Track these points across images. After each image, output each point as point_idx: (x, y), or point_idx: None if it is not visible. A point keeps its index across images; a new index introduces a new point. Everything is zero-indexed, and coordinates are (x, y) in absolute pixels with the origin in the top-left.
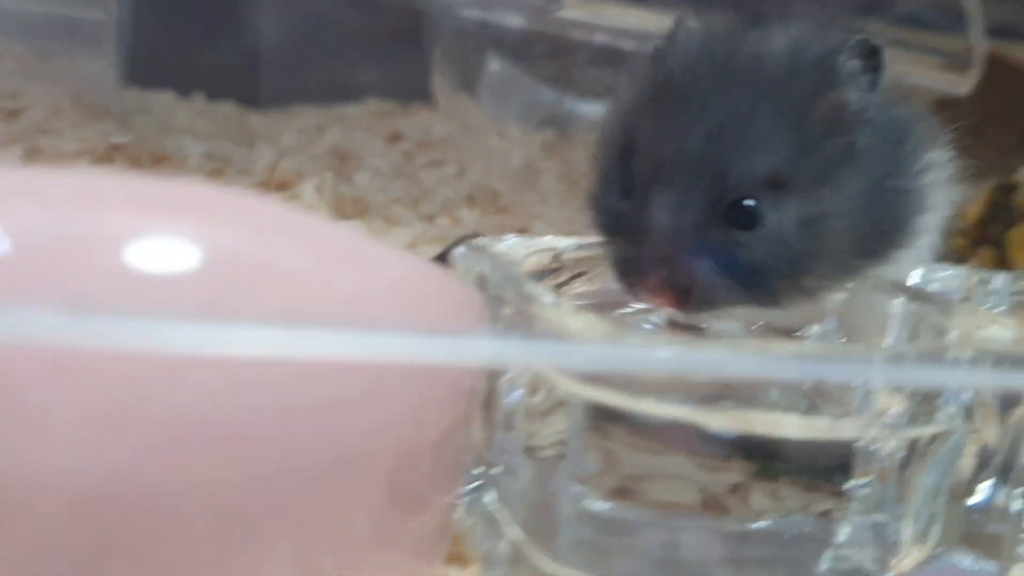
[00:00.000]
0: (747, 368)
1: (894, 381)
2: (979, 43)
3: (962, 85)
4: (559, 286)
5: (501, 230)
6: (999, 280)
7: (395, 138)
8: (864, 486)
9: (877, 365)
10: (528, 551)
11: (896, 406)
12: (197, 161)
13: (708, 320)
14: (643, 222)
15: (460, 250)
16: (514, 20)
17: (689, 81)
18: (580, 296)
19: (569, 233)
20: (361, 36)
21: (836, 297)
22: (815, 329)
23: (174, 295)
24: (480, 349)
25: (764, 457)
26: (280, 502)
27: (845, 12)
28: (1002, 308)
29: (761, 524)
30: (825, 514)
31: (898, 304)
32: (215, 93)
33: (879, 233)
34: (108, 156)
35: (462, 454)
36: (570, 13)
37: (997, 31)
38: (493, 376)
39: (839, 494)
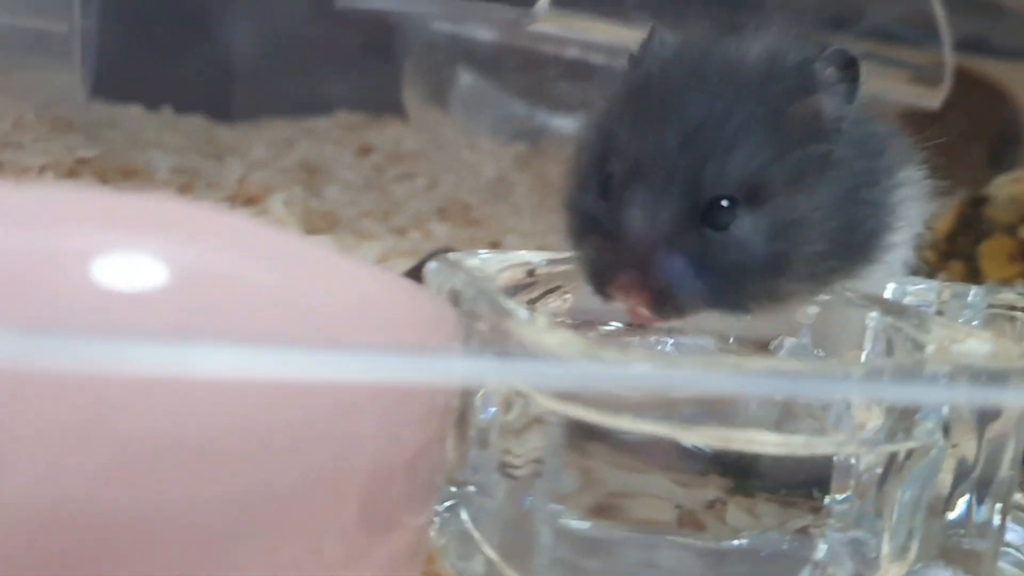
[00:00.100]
0: (724, 385)
1: (873, 397)
2: (949, 57)
3: (933, 99)
4: (532, 301)
5: (473, 243)
6: (973, 293)
7: (365, 151)
8: (842, 502)
9: (856, 381)
10: (503, 570)
11: (874, 421)
12: (166, 175)
13: (680, 325)
14: (619, 221)
15: (433, 265)
16: (485, 34)
17: (666, 84)
18: (553, 312)
19: (542, 246)
20: (330, 49)
21: (810, 310)
22: (789, 342)
23: (140, 314)
24: (456, 368)
25: (740, 473)
26: (250, 524)
27: (815, 25)
28: (976, 322)
29: (739, 542)
30: (803, 530)
31: (873, 318)
32: (183, 106)
33: (852, 244)
34: (74, 170)
35: (436, 473)
36: (542, 27)
37: (964, 44)
38: (467, 392)
39: (816, 510)
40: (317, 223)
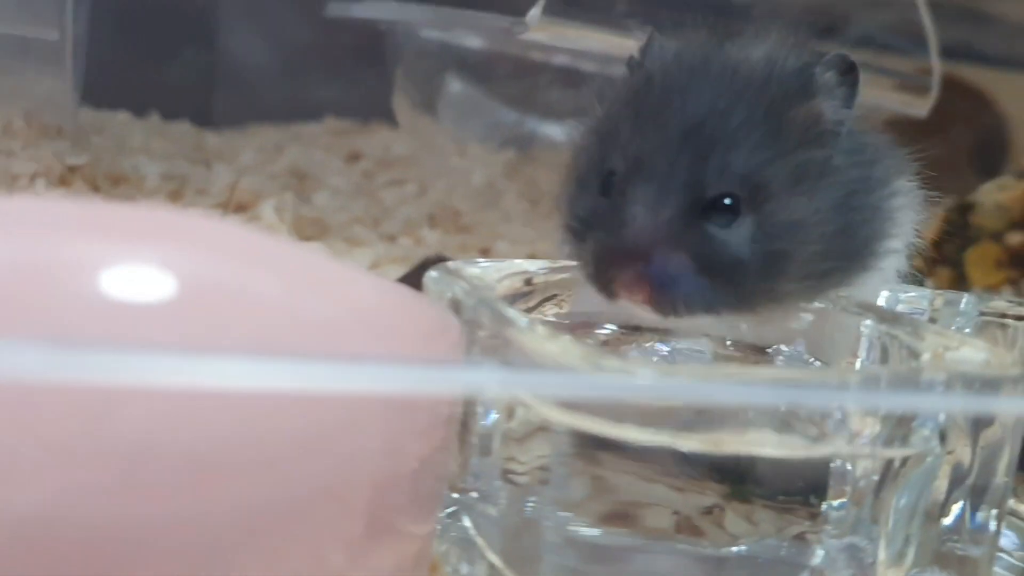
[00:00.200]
0: (724, 394)
1: (871, 405)
2: (937, 65)
3: (921, 107)
4: (529, 310)
5: (463, 250)
6: (965, 301)
7: (354, 157)
8: (839, 508)
9: (854, 389)
10: None
11: (871, 428)
12: (155, 182)
13: (676, 326)
14: (621, 217)
15: (433, 274)
16: (475, 41)
17: (668, 84)
18: (550, 320)
19: (532, 252)
20: (318, 55)
21: (805, 318)
22: (785, 351)
23: (144, 325)
24: (460, 378)
25: (737, 479)
26: (255, 535)
27: (803, 33)
28: (968, 329)
29: (739, 548)
30: (800, 537)
31: (867, 325)
32: (170, 112)
33: (848, 251)
34: (65, 178)
35: (440, 483)
36: (534, 35)
37: (948, 51)
38: (468, 399)
39: (814, 516)
40: (307, 230)
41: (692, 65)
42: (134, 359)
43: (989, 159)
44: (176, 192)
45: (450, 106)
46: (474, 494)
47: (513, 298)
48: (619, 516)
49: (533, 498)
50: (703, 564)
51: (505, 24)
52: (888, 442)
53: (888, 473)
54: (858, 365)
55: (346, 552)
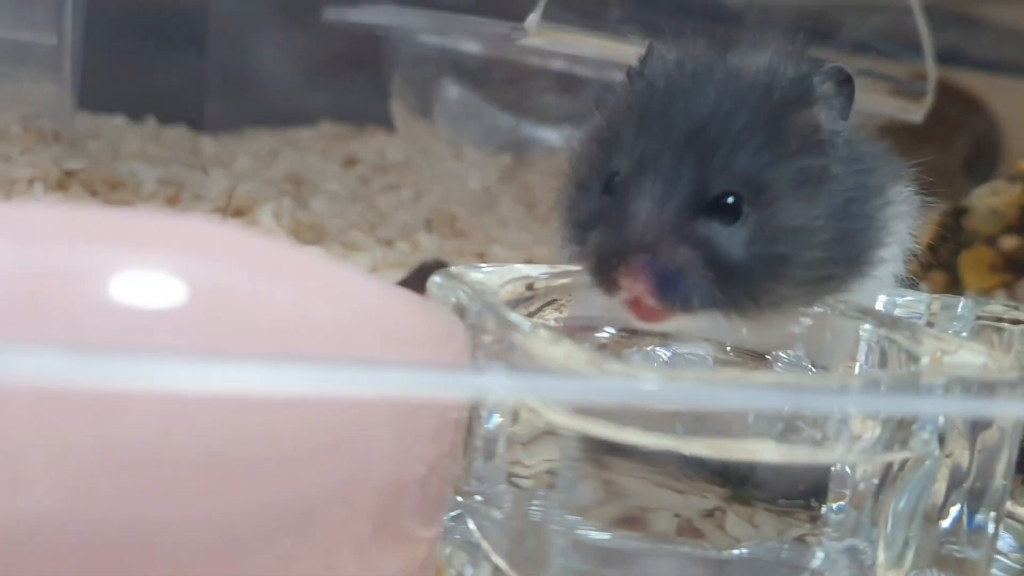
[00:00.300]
0: (728, 398)
1: (872, 409)
2: (932, 70)
3: (916, 112)
4: (531, 315)
5: (460, 254)
6: (962, 306)
7: (350, 162)
8: (839, 511)
9: (855, 393)
10: None
11: (871, 431)
12: (152, 187)
13: (676, 327)
14: (625, 212)
15: (436, 279)
16: (472, 46)
17: (671, 89)
18: (551, 324)
19: (527, 257)
20: (315, 60)
21: (804, 322)
22: (784, 356)
23: (158, 331)
24: (469, 383)
25: (737, 482)
26: (265, 539)
27: (801, 41)
28: (964, 333)
29: (740, 551)
30: (800, 539)
31: (866, 330)
32: (167, 117)
33: (846, 257)
34: (63, 182)
35: (447, 486)
36: (532, 41)
37: (940, 56)
38: (472, 402)
39: (814, 519)
40: (305, 235)
41: (695, 71)
42: (148, 364)
43: (982, 163)
44: (173, 197)
45: (447, 111)
46: (478, 497)
47: (515, 303)
48: (628, 520)
49: (538, 502)
50: (705, 566)
51: (504, 30)
52: (888, 445)
53: (887, 476)
54: (857, 369)
55: (354, 555)
